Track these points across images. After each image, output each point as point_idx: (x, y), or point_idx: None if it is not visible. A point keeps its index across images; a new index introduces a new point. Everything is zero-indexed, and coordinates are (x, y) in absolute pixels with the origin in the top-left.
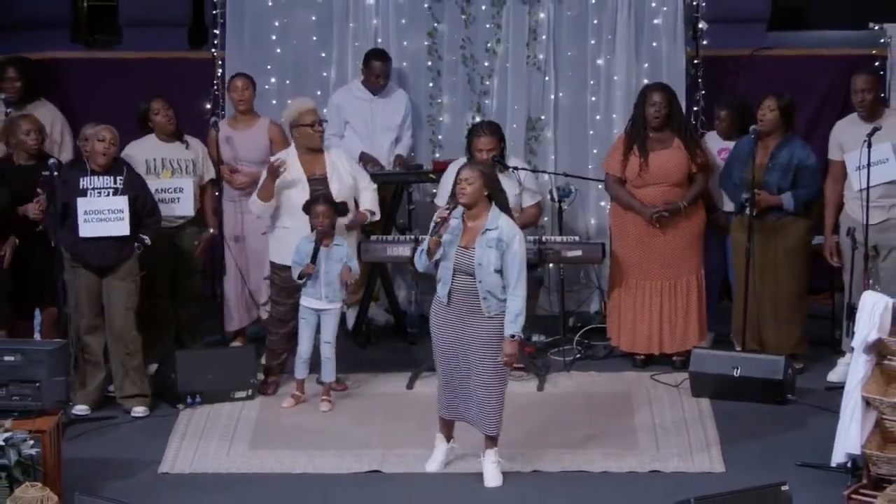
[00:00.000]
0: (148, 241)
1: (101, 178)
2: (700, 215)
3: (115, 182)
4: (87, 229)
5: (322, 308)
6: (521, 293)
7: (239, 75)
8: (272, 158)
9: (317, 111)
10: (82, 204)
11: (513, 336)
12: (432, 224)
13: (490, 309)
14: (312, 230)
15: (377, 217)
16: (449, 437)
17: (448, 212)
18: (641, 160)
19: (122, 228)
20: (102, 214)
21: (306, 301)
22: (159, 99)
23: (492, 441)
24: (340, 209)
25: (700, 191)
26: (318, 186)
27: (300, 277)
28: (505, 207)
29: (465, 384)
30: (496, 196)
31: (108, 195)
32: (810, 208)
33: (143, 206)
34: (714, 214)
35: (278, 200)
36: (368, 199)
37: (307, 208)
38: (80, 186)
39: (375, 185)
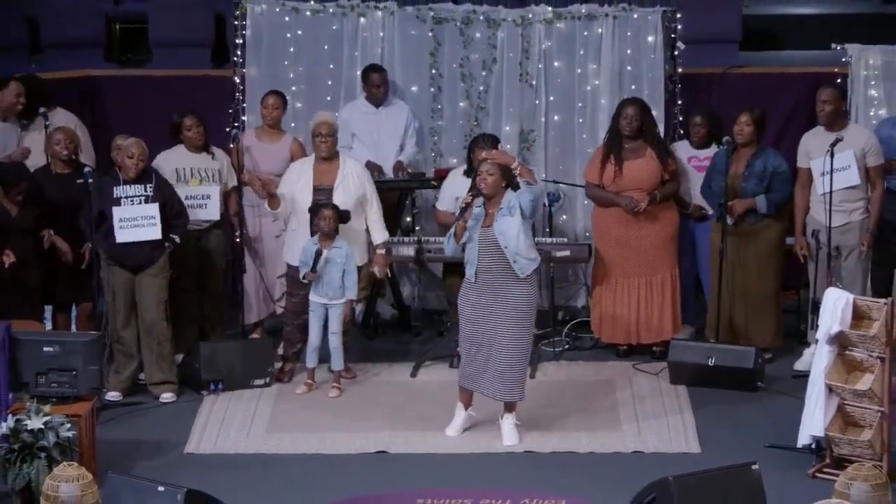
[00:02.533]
0: (178, 240)
1: (132, 186)
2: (673, 218)
3: (145, 190)
4: (122, 235)
5: (328, 303)
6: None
7: (273, 93)
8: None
9: (330, 124)
10: (117, 212)
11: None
12: (460, 210)
13: (523, 270)
14: (313, 234)
15: (386, 239)
16: (468, 405)
17: (471, 198)
18: (616, 168)
19: (154, 233)
20: (136, 221)
21: (314, 297)
22: (192, 115)
23: (511, 406)
24: (344, 217)
25: (672, 192)
26: (321, 196)
27: (303, 279)
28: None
29: (488, 359)
30: (513, 184)
31: (140, 203)
32: (782, 212)
33: (171, 210)
34: (689, 209)
35: (289, 206)
36: (377, 230)
37: (314, 211)
38: (114, 195)
39: (381, 212)
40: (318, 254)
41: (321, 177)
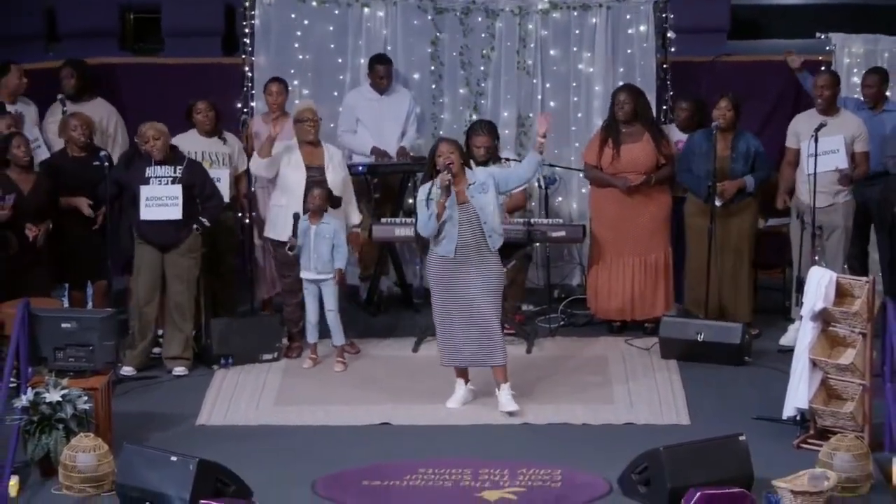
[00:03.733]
0: (207, 222)
1: (162, 167)
2: (667, 201)
3: (174, 171)
4: (147, 213)
5: (318, 278)
6: (529, 168)
7: (275, 80)
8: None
9: (314, 110)
10: (145, 191)
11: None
12: (427, 196)
13: (495, 243)
14: (305, 212)
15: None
16: (466, 380)
17: (450, 178)
18: (614, 151)
19: (175, 213)
20: (161, 200)
21: (304, 273)
22: (204, 100)
23: (503, 373)
24: (335, 202)
25: (668, 175)
26: (314, 174)
27: (290, 249)
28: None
29: (470, 328)
30: (467, 162)
31: (168, 183)
32: (757, 194)
33: (200, 192)
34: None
35: (277, 182)
36: (354, 213)
37: (307, 188)
38: (146, 175)
39: (354, 196)
40: (296, 217)
41: (310, 158)
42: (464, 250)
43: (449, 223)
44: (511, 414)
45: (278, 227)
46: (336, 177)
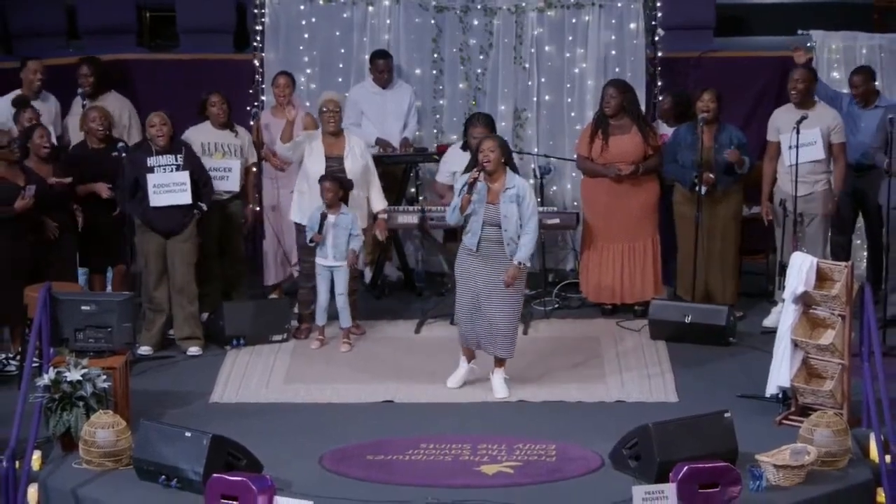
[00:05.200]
0: (205, 207)
1: (164, 156)
2: (655, 189)
3: (176, 160)
4: (156, 200)
5: (332, 265)
6: (533, 232)
7: (282, 73)
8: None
9: (336, 101)
10: (152, 179)
11: (519, 263)
12: (462, 186)
13: (510, 252)
14: (322, 202)
15: (385, 206)
16: (470, 359)
17: (478, 174)
18: (603, 143)
19: (185, 198)
20: (168, 187)
21: (320, 260)
22: (217, 93)
23: (501, 362)
24: (346, 184)
25: (655, 165)
26: (333, 164)
27: (310, 241)
28: (516, 170)
29: (484, 318)
30: (510, 162)
31: (172, 170)
32: (740, 183)
33: (199, 179)
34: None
35: (300, 168)
36: (377, 199)
37: (320, 181)
38: (148, 164)
39: (379, 183)
40: (323, 217)
41: (330, 148)
42: (486, 245)
43: (474, 217)
44: (502, 398)
45: (300, 211)
46: (355, 165)
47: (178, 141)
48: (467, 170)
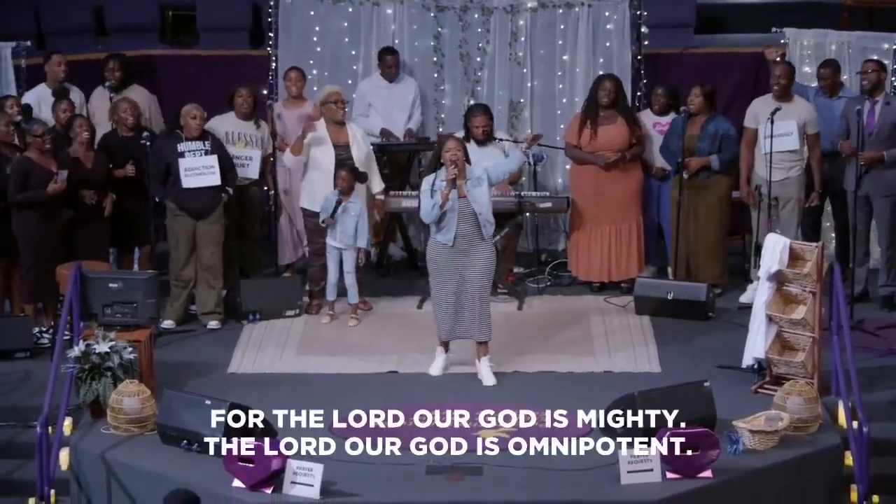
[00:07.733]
0: (231, 191)
1: (193, 142)
2: (638, 176)
3: (204, 145)
4: (188, 182)
5: (341, 247)
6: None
7: (293, 68)
8: (307, 122)
9: (340, 93)
10: (183, 163)
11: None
12: (432, 187)
13: (487, 232)
14: (336, 188)
15: (383, 188)
16: (447, 349)
17: (456, 173)
18: (592, 132)
19: (215, 180)
20: (199, 170)
21: (329, 241)
22: (247, 87)
23: (484, 348)
24: (360, 177)
25: (638, 153)
26: (342, 152)
27: (323, 223)
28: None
29: (468, 307)
30: (468, 158)
31: (202, 155)
32: (731, 169)
33: (224, 165)
34: (652, 171)
35: (308, 158)
36: (376, 182)
37: (337, 167)
38: (179, 150)
39: (377, 168)
40: (339, 203)
41: (336, 136)
42: (461, 239)
43: (450, 213)
44: (489, 385)
45: (310, 199)
46: (360, 152)
47: (204, 129)
48: (429, 171)
